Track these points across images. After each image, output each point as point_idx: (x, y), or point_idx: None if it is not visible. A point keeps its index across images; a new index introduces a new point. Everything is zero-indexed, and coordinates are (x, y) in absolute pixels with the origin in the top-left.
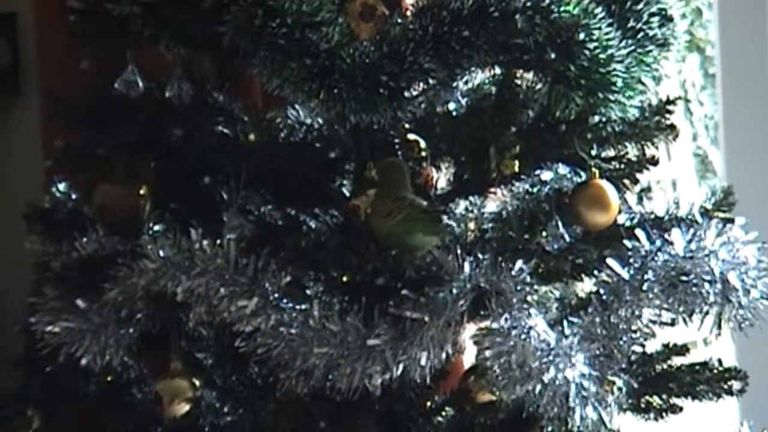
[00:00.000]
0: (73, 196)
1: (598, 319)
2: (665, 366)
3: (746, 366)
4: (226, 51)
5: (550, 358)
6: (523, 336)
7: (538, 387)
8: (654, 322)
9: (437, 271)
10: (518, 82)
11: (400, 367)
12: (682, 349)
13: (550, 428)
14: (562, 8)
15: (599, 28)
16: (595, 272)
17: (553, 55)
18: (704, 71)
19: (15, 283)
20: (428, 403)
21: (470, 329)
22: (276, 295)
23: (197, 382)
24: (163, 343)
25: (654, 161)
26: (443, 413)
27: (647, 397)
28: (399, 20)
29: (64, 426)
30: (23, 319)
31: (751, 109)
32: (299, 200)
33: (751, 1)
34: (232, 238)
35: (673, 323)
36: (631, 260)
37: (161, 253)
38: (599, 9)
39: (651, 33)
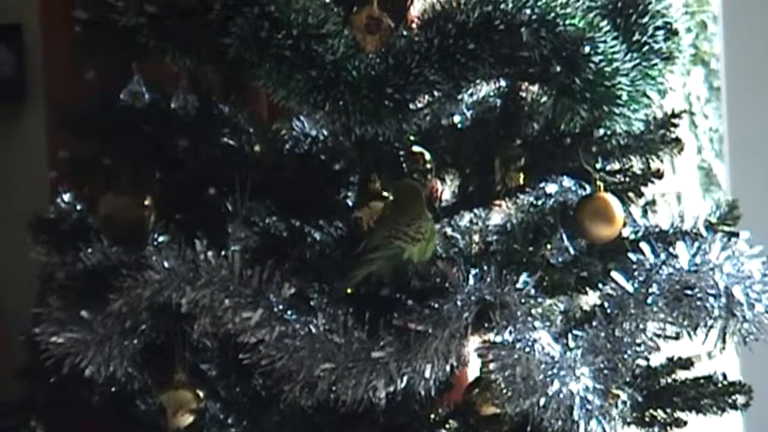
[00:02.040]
0: (78, 207)
1: (602, 333)
2: (669, 379)
3: (750, 380)
4: (231, 62)
5: (555, 371)
6: (527, 349)
7: (543, 400)
8: (658, 335)
9: (442, 283)
10: (523, 94)
11: (405, 379)
12: (687, 363)
13: None
14: (567, 21)
15: (604, 42)
16: (600, 285)
17: (558, 68)
18: (709, 84)
19: (19, 293)
20: (432, 416)
21: (474, 342)
22: (280, 307)
23: (201, 394)
24: (167, 354)
25: (659, 174)
26: (447, 426)
27: (651, 411)
28: (404, 32)
29: None
30: (28, 330)
31: (756, 122)
32: (304, 212)
33: (756, 14)
34: (237, 250)
35: (677, 337)
36: (636, 273)
37: (166, 264)
38: (604, 22)
39: (656, 46)
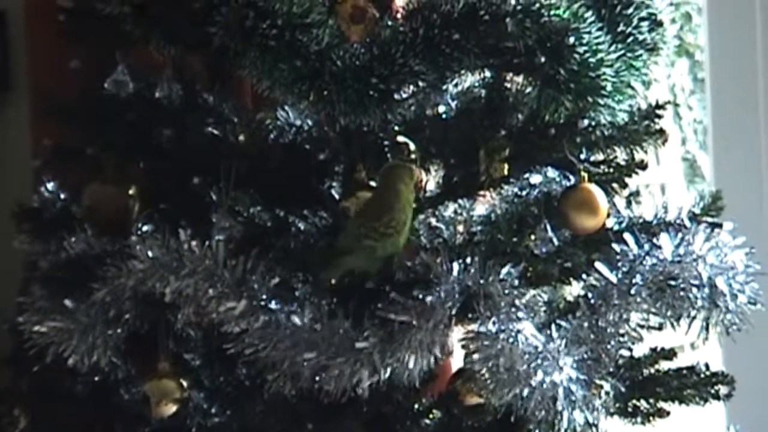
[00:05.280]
0: (62, 196)
1: (586, 323)
2: (653, 370)
3: (733, 370)
4: (216, 51)
5: (538, 361)
6: (510, 339)
7: (526, 390)
8: (642, 326)
9: (426, 273)
10: (508, 85)
11: (388, 369)
12: (670, 354)
13: (538, 431)
14: (552, 12)
15: (589, 32)
16: (584, 276)
17: (542, 59)
18: (693, 76)
19: (3, 282)
20: (416, 406)
21: (458, 332)
22: (264, 297)
23: (185, 383)
24: (151, 344)
25: (643, 165)
26: (431, 416)
27: (634, 401)
28: (389, 22)
29: (50, 426)
30: (11, 319)
31: (740, 113)
32: (288, 202)
33: (740, 6)
34: (221, 239)
35: (660, 327)
36: (620, 264)
37: (150, 254)
38: (589, 13)
39: (641, 37)
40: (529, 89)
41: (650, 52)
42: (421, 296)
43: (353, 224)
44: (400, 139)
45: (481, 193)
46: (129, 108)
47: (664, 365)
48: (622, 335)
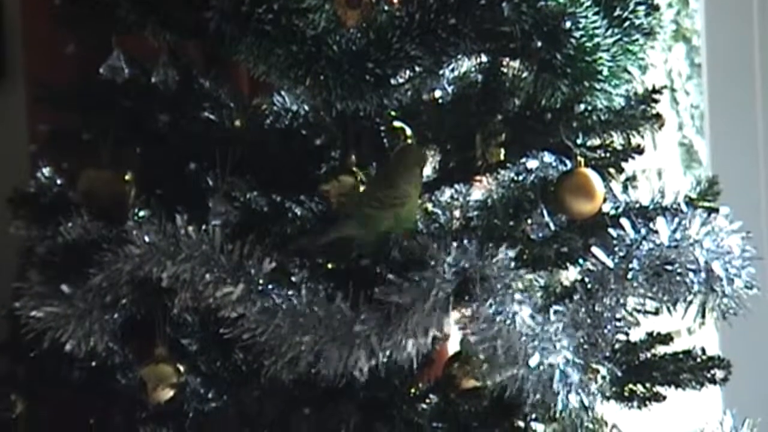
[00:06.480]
0: (59, 181)
1: (582, 308)
2: (649, 354)
3: (729, 355)
4: (212, 37)
5: (535, 344)
6: (507, 322)
7: (522, 373)
8: (638, 310)
9: (422, 254)
10: (504, 70)
11: (386, 352)
12: (666, 338)
13: (533, 415)
14: None
15: (585, 17)
16: (580, 261)
17: (539, 44)
18: (690, 61)
19: None
20: (412, 390)
21: (455, 315)
22: (261, 281)
23: (182, 368)
24: (147, 329)
25: (639, 150)
26: (427, 400)
27: (631, 386)
28: (386, 7)
29: (48, 411)
30: (7, 304)
31: (737, 98)
32: (285, 187)
33: None
34: (218, 224)
35: (657, 312)
36: (616, 249)
37: (146, 239)
38: None
39: (637, 22)
40: (525, 74)
41: (647, 36)
42: (417, 278)
43: (356, 194)
44: (397, 124)
45: (478, 178)
46: (125, 93)
47: (661, 350)
48: (619, 320)
